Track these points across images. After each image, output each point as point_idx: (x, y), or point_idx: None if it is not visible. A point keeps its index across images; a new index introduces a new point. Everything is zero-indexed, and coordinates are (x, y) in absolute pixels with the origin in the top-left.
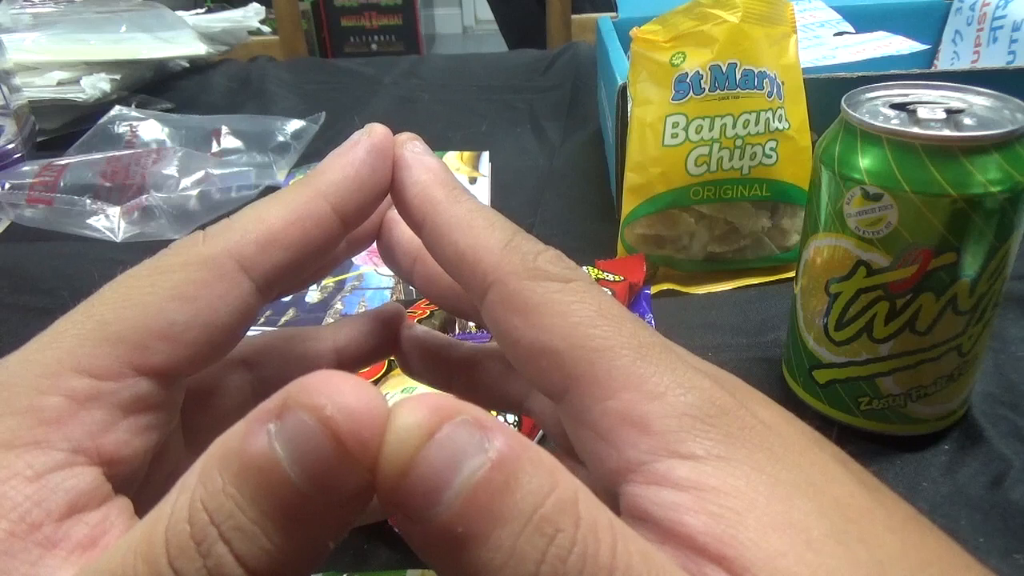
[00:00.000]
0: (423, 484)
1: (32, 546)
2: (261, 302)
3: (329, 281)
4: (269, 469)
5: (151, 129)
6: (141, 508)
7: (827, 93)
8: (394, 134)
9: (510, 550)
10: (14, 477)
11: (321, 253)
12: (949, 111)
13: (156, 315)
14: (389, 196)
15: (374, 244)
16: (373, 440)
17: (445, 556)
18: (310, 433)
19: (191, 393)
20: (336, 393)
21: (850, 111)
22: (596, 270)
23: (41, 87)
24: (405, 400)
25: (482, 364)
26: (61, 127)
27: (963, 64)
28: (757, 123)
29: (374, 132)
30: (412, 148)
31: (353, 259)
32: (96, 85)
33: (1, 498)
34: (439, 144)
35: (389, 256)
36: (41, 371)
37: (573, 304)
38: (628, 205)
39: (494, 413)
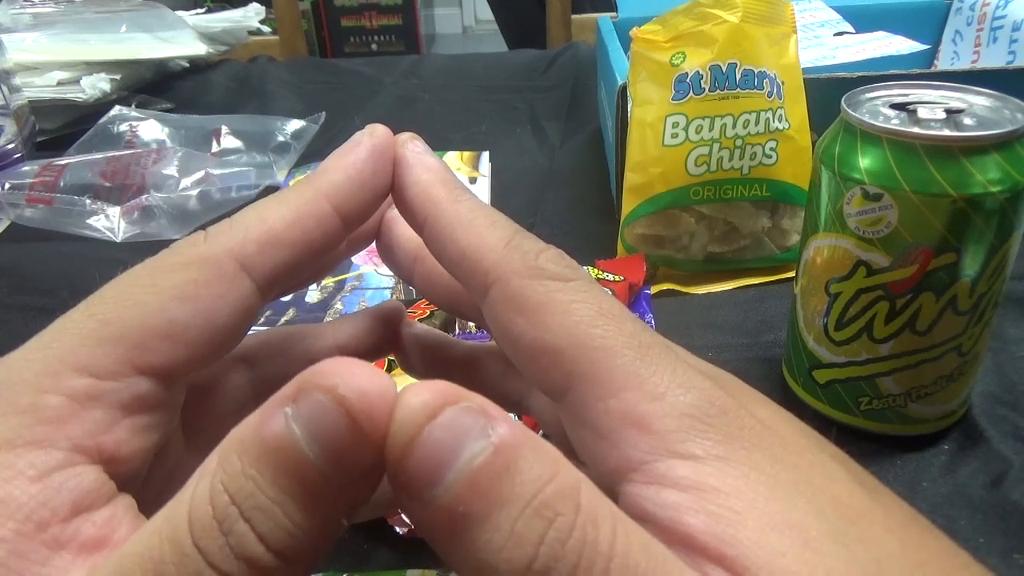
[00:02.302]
0: (425, 463)
1: (40, 546)
2: (262, 302)
3: (329, 281)
4: (287, 449)
5: (151, 129)
6: (142, 508)
7: (827, 93)
8: (395, 134)
9: (509, 532)
10: (17, 477)
11: (322, 253)
12: (949, 111)
13: (157, 314)
14: (389, 196)
15: (374, 244)
16: (383, 419)
17: (447, 537)
18: (326, 412)
19: (191, 392)
20: (348, 375)
21: (850, 111)
22: (596, 270)
23: (41, 87)
24: (414, 384)
25: (482, 363)
26: (61, 127)
27: (963, 64)
28: (757, 123)
29: (375, 133)
30: (413, 148)
31: (353, 259)
32: (96, 85)
33: (7, 498)
34: (439, 144)
35: (389, 256)
36: (42, 370)
37: (574, 303)
38: (628, 205)
39: None
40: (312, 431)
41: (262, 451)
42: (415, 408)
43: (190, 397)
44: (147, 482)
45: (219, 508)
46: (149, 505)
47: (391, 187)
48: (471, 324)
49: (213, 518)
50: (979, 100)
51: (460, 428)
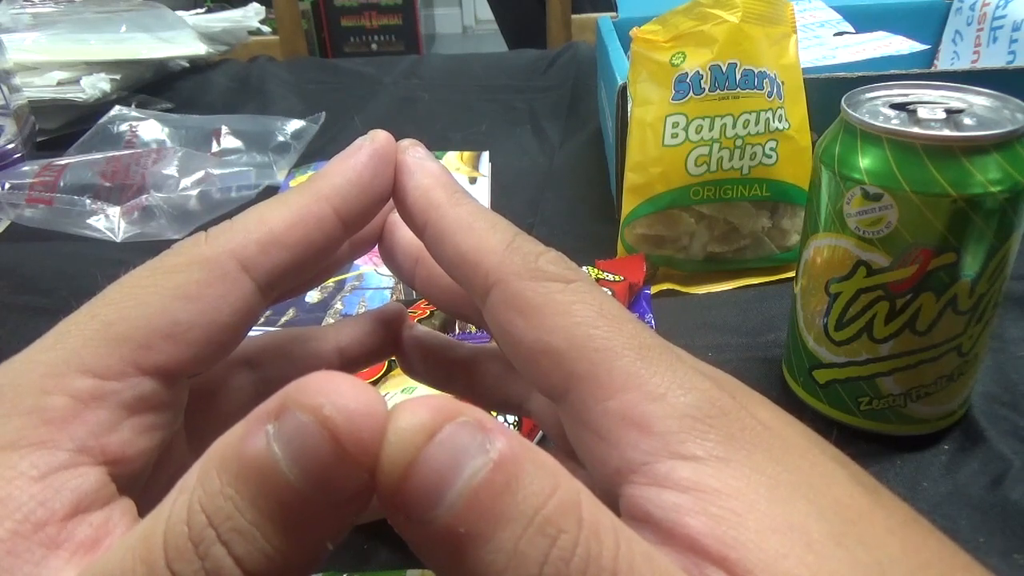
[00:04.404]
0: (424, 485)
1: (36, 546)
2: (264, 303)
3: (329, 281)
4: (267, 470)
5: (151, 129)
6: (144, 509)
7: (827, 93)
8: (394, 135)
9: (512, 551)
10: (19, 477)
11: (322, 255)
12: (949, 111)
13: (160, 314)
14: (390, 200)
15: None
16: (372, 441)
17: (446, 558)
18: (309, 434)
19: (194, 394)
20: (335, 394)
21: (850, 111)
22: (596, 270)
23: (41, 87)
24: (405, 402)
25: (483, 365)
26: (61, 127)
27: (963, 64)
28: (757, 123)
29: (377, 138)
30: (414, 153)
31: None
32: (96, 85)
33: (6, 498)
34: (439, 144)
35: (390, 258)
36: (46, 371)
37: (574, 304)
38: (628, 205)
39: (494, 414)
40: (293, 453)
41: (241, 470)
42: (411, 429)
43: (194, 400)
44: (150, 485)
45: (195, 529)
46: (150, 508)
47: (392, 191)
48: (471, 325)
49: (189, 540)
50: (979, 100)
51: (458, 445)
